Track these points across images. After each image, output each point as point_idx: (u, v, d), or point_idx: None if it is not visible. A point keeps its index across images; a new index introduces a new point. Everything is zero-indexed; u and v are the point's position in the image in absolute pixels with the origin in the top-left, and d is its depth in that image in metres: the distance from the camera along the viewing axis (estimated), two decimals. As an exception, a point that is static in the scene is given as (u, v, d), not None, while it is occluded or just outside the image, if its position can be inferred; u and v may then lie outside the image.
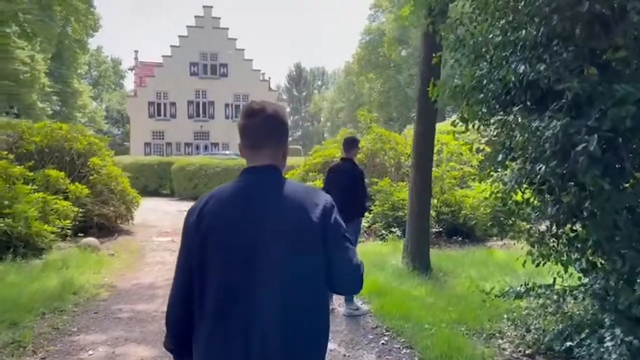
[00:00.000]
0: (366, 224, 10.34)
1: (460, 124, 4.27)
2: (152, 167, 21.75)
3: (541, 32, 3.44)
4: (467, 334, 4.74)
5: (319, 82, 78.31)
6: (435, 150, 8.27)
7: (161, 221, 13.34)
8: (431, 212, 8.57)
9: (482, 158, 4.32)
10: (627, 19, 3.02)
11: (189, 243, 1.62)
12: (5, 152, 9.36)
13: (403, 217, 9.23)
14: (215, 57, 37.63)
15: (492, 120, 4.14)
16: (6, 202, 7.97)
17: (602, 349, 3.53)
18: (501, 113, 4.00)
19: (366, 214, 9.71)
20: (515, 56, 3.63)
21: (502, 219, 4.65)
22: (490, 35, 3.91)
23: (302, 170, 13.34)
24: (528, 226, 4.50)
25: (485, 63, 3.95)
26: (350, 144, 5.76)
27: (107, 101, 58.77)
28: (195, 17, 37.53)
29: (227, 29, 38.23)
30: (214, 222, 1.58)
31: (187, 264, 1.61)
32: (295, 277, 1.53)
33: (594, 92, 3.03)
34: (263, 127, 1.66)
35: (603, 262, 3.73)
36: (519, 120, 3.68)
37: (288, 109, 69.25)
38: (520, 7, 3.67)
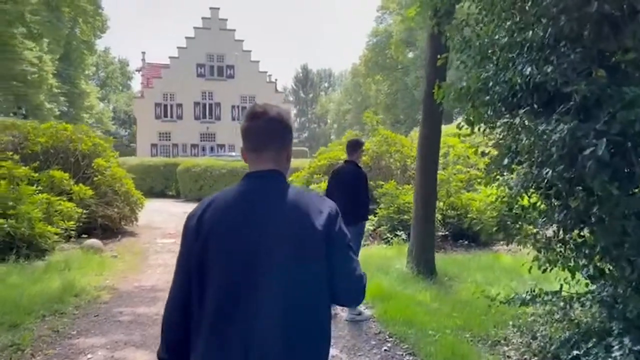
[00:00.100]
0: (371, 227, 10.25)
1: (466, 126, 4.22)
2: (158, 169, 21.72)
3: (548, 33, 3.37)
4: (471, 340, 4.66)
5: (326, 84, 78.29)
6: (441, 153, 8.18)
7: (166, 223, 13.32)
8: (437, 215, 8.48)
9: (488, 161, 4.25)
10: (637, 20, 2.95)
11: (189, 246, 1.59)
12: (11, 153, 9.35)
13: (408, 220, 9.12)
14: (222, 58, 37.74)
15: (498, 123, 4.06)
16: (10, 203, 7.97)
17: (610, 358, 3.43)
18: (507, 116, 3.92)
19: (371, 217, 9.63)
20: (521, 58, 3.56)
21: (508, 222, 4.57)
22: (497, 37, 3.85)
23: (307, 173, 13.28)
24: (535, 231, 4.41)
25: (491, 65, 3.88)
26: (354, 146, 5.70)
27: (114, 102, 59.14)
28: (202, 18, 37.69)
29: (234, 30, 38.37)
30: (215, 225, 1.55)
31: (186, 267, 1.58)
32: (297, 282, 1.51)
33: (603, 95, 2.96)
34: (265, 130, 1.65)
35: (611, 268, 3.63)
36: (526, 123, 3.60)
37: (295, 111, 69.47)
38: (527, 7, 3.60)
